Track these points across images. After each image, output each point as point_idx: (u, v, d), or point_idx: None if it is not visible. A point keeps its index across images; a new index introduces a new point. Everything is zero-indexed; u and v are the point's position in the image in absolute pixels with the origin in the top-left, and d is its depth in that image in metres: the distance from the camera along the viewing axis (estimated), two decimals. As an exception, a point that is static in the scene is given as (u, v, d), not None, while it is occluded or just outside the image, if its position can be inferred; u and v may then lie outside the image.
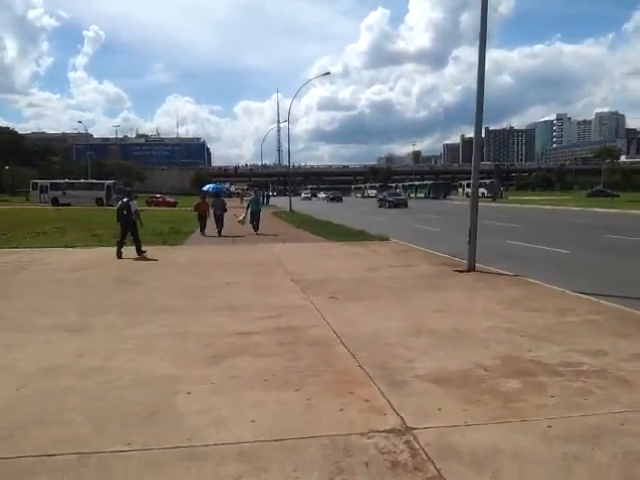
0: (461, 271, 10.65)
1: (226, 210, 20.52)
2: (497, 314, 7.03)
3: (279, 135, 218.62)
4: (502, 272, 10.53)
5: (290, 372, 4.80)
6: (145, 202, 51.69)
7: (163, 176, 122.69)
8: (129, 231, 13.53)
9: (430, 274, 10.35)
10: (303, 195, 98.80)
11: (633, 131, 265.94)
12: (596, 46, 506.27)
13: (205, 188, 35.01)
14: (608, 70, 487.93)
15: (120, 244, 13.26)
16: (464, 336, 5.97)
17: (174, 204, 55.91)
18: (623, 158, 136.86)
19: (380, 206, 52.04)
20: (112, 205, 51.38)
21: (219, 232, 19.69)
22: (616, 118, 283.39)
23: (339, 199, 76.79)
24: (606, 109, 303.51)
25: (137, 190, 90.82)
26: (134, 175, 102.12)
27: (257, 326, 6.44)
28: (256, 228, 20.97)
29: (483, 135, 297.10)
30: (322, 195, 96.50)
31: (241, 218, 17.24)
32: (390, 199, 52.48)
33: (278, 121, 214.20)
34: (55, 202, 50.04)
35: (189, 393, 4.31)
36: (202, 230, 20.03)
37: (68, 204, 49.81)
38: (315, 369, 4.87)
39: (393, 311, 7.22)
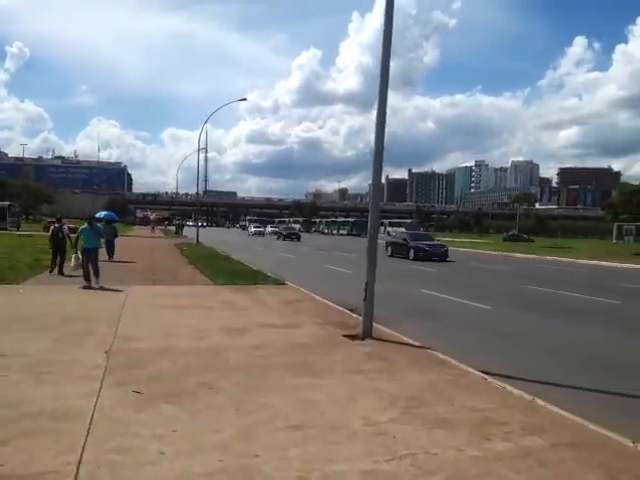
0: (354, 337, 8.05)
1: (117, 236, 22.49)
2: (385, 432, 4.37)
3: (206, 164, 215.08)
4: (405, 341, 8.00)
5: None
6: (43, 227, 46.16)
7: (75, 200, 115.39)
8: (60, 251, 15.34)
9: (312, 342, 7.65)
10: (253, 230, 71.68)
11: (546, 180, 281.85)
12: (513, 99, 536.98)
13: (97, 215, 31.65)
14: (523, 122, 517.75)
15: (54, 262, 15.35)
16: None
17: (74, 230, 50.88)
18: (537, 205, 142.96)
19: (277, 238, 56.73)
20: (5, 229, 46.16)
21: (110, 256, 20.70)
22: (531, 167, 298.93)
23: (297, 237, 55.81)
24: (521, 158, 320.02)
25: (45, 214, 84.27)
26: (42, 197, 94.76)
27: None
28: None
29: (406, 177, 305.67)
30: (269, 229, 73.24)
31: (73, 261, 13.02)
32: (284, 232, 57.76)
33: (206, 151, 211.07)
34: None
35: None
36: None
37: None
38: None
39: (221, 430, 4.39)
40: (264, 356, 6.72)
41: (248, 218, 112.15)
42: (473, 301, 12.99)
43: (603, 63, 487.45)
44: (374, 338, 8.03)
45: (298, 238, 55.68)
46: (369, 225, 8.53)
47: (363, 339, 7.98)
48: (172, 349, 6.97)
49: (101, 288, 12.41)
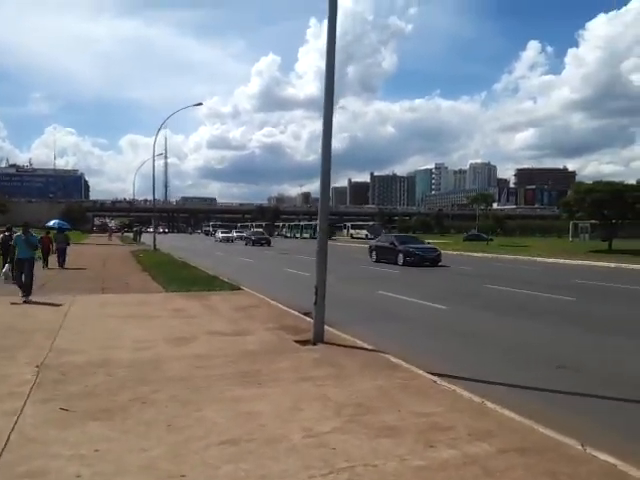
0: (305, 342, 7.79)
1: (69, 244, 23.09)
2: (326, 443, 4.12)
3: (166, 170, 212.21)
4: (357, 344, 7.78)
5: None
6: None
7: (30, 209, 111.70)
8: (10, 258, 14.02)
9: (260, 350, 7.35)
10: (221, 235, 67.93)
11: (504, 181, 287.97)
12: (471, 103, 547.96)
13: (50, 224, 30.86)
14: (481, 125, 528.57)
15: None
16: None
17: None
18: (495, 205, 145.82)
19: (246, 244, 53.97)
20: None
21: (62, 264, 21.24)
22: (488, 168, 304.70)
23: (266, 242, 53.34)
24: (479, 160, 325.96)
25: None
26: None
27: None
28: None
29: (369, 180, 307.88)
30: (234, 235, 69.51)
31: (2, 272, 12.27)
32: (252, 237, 55.15)
33: (165, 157, 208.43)
34: None
35: None
36: (45, 263, 20.80)
37: None
38: None
39: (149, 448, 4.07)
40: (207, 366, 6.39)
41: (212, 223, 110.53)
42: (429, 301, 12.89)
43: (556, 66, 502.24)
44: (326, 343, 7.79)
45: (268, 243, 52.83)
46: (318, 228, 8.30)
47: (314, 344, 7.73)
48: (110, 362, 6.57)
49: (27, 302, 11.42)
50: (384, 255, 27.27)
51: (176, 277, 16.73)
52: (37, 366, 6.27)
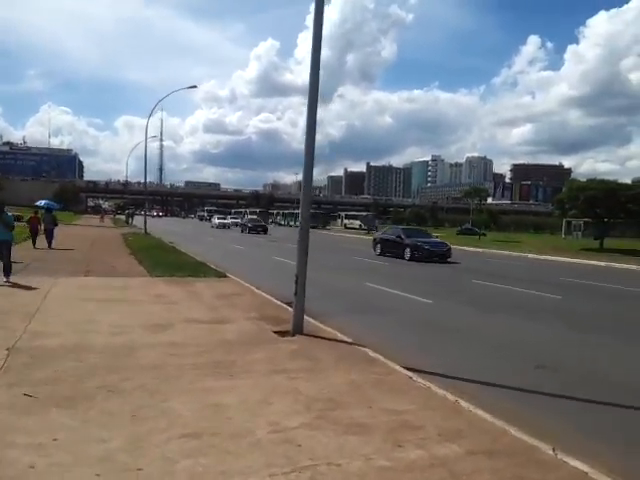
0: (284, 333, 7.69)
1: (57, 224, 22.75)
2: (292, 439, 4.02)
3: (161, 153, 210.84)
4: (337, 337, 7.69)
5: None
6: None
7: (24, 188, 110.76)
8: None
9: (237, 339, 7.25)
10: (217, 221, 63.93)
11: (499, 175, 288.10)
12: (469, 96, 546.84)
13: (39, 203, 30.46)
14: (478, 119, 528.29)
15: None
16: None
17: (18, 219, 48.94)
18: (490, 200, 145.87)
19: (242, 231, 51.60)
20: None
21: (49, 244, 20.92)
22: (485, 162, 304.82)
23: (263, 229, 51.07)
24: (476, 154, 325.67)
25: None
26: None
27: None
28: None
29: (364, 170, 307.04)
30: (229, 221, 67.14)
31: None
32: (249, 225, 52.25)
33: (161, 139, 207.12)
34: None
35: None
36: (33, 243, 20.88)
37: None
38: None
39: (109, 439, 3.96)
40: (181, 355, 6.28)
41: (207, 209, 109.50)
42: (416, 295, 12.82)
43: (555, 62, 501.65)
44: (305, 334, 7.69)
45: (265, 231, 50.12)
46: (300, 216, 8.17)
47: (293, 335, 7.63)
48: (83, 346, 6.45)
49: (9, 284, 11.16)
50: (389, 249, 25.85)
51: (162, 262, 16.55)
52: (7, 349, 6.14)
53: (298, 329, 7.72)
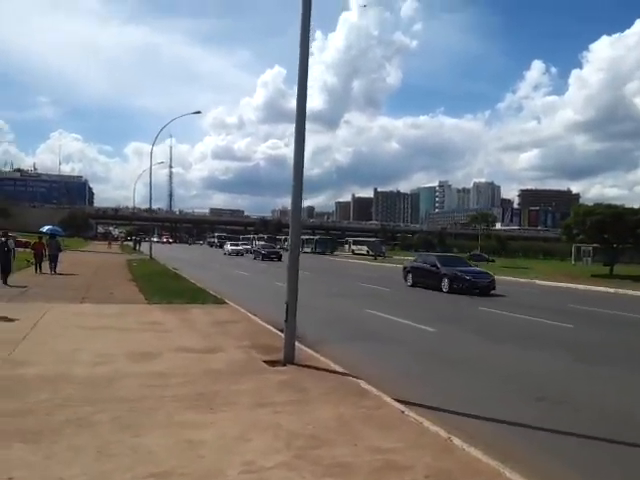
0: (274, 363, 7.40)
1: (61, 250, 23.54)
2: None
3: (171, 180, 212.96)
4: (330, 367, 7.38)
5: None
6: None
7: (33, 214, 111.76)
8: (6, 264, 16.43)
9: (225, 369, 6.96)
10: (230, 248, 60.81)
11: (507, 201, 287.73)
12: (474, 121, 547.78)
13: (43, 229, 30.77)
14: (484, 144, 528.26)
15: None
16: None
17: (26, 244, 49.27)
18: (498, 225, 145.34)
19: (254, 258, 49.91)
20: None
21: (53, 269, 21.30)
22: (492, 188, 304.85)
23: (277, 256, 47.59)
24: (483, 179, 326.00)
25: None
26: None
27: None
28: None
29: (372, 196, 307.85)
30: (242, 247, 63.75)
31: None
32: (262, 251, 49.93)
33: (170, 166, 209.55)
34: None
35: None
36: (36, 268, 21.27)
37: None
38: None
39: (68, 478, 3.69)
40: (163, 386, 6.01)
41: (217, 234, 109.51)
42: (417, 322, 12.47)
43: (560, 87, 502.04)
44: (297, 364, 7.39)
45: (279, 258, 46.18)
46: (289, 243, 7.93)
47: (284, 365, 7.34)
48: (63, 377, 6.20)
49: None
50: (423, 279, 23.26)
51: (163, 289, 16.35)
52: (-19, 379, 5.91)
53: (289, 358, 7.43)
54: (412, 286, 23.47)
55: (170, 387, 5.97)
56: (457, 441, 4.73)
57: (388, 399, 5.94)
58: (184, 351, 7.90)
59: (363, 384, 6.50)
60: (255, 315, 11.99)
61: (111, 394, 5.62)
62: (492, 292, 21.40)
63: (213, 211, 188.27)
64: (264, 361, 7.48)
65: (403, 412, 5.51)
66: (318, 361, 7.71)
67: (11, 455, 4.01)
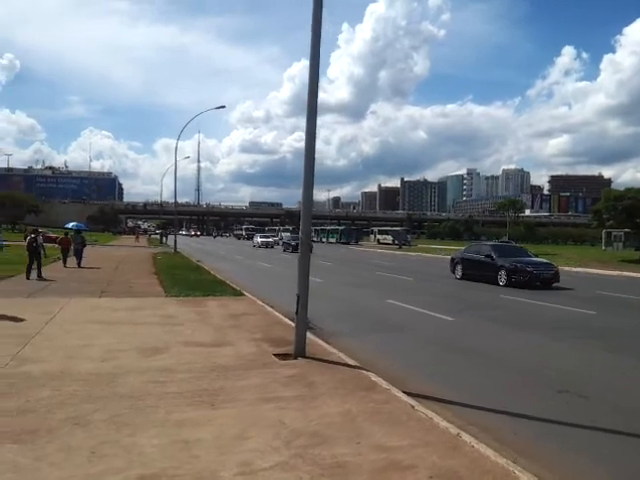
0: (285, 356, 7.23)
1: (85, 245, 24.00)
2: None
3: (199, 174, 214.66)
4: (342, 360, 7.18)
5: None
6: (24, 237, 44.98)
7: (63, 210, 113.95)
8: (36, 259, 17.02)
9: (233, 364, 6.80)
10: (260, 240, 58.22)
11: (537, 187, 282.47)
12: (504, 109, 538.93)
13: (69, 225, 31.47)
14: (514, 131, 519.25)
15: (29, 269, 16.63)
16: None
17: (54, 240, 50.06)
18: (528, 212, 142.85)
19: (284, 250, 47.48)
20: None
21: (78, 264, 21.84)
22: (521, 175, 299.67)
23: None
24: (512, 166, 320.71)
25: (29, 223, 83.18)
26: (27, 208, 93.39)
27: None
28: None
29: (399, 185, 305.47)
30: (271, 239, 60.21)
31: None
32: (292, 243, 44.82)
33: (198, 160, 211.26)
34: None
35: None
36: (64, 262, 21.72)
37: None
38: None
39: None
40: (167, 382, 5.87)
41: (245, 227, 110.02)
42: (438, 312, 12.16)
43: (591, 72, 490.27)
44: (308, 357, 7.20)
45: (310, 249, 44.59)
46: (300, 232, 7.74)
47: (295, 358, 7.16)
48: (68, 373, 6.12)
49: None
50: (475, 271, 21.08)
51: (183, 281, 16.38)
52: (-14, 375, 5.86)
53: (300, 351, 7.24)
54: (462, 279, 21.39)
55: (173, 383, 5.84)
56: (467, 437, 4.49)
57: (399, 393, 5.71)
58: (194, 345, 7.78)
59: (373, 377, 6.28)
60: (272, 307, 11.85)
61: (112, 391, 5.50)
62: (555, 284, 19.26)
63: (252, 204, 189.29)
64: (275, 354, 7.31)
65: (413, 407, 5.27)
66: (330, 354, 7.51)
67: (1, 457, 3.90)
